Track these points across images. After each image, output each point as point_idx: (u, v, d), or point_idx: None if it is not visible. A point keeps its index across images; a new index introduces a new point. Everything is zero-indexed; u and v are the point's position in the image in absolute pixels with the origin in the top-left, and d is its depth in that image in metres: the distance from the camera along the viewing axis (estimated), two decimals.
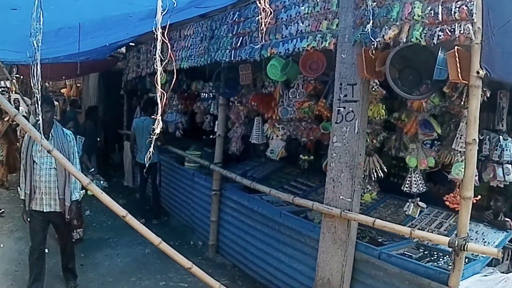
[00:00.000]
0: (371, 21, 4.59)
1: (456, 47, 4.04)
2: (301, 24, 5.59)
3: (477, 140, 4.16)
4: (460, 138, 4.81)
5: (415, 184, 5.34)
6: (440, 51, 4.31)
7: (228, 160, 8.76)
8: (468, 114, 4.17)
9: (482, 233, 5.50)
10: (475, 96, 4.11)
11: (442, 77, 4.33)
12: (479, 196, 4.68)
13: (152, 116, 4.89)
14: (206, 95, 9.73)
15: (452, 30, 4.04)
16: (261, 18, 3.81)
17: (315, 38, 5.36)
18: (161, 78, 3.33)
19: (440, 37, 4.11)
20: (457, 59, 4.01)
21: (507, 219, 5.90)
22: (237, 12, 6.88)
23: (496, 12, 4.21)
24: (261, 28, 4.12)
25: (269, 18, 3.77)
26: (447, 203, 5.00)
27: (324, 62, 5.87)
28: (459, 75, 4.03)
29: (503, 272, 5.07)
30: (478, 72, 4.02)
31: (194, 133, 11.17)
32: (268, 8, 3.79)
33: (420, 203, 5.48)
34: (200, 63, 7.90)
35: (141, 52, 11.73)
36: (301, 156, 7.21)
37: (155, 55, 3.38)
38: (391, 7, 4.54)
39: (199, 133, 10.82)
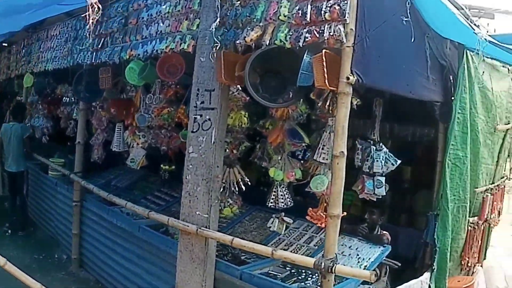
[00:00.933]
0: (233, 22, 4.15)
1: (324, 50, 3.56)
2: (161, 24, 5.03)
3: (345, 153, 3.67)
4: (322, 149, 4.32)
5: (282, 198, 4.78)
6: (305, 55, 3.79)
7: (93, 168, 7.91)
8: (336, 123, 3.68)
9: (356, 249, 5.03)
10: (344, 105, 3.63)
11: (307, 83, 3.79)
12: (346, 213, 4.17)
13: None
14: (69, 99, 8.82)
15: (321, 31, 3.57)
16: (88, 14, 3.09)
17: (174, 39, 4.81)
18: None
19: (306, 39, 3.64)
20: (324, 63, 3.52)
21: (384, 232, 5.54)
22: (100, 11, 6.03)
23: (374, 12, 3.78)
24: (88, 26, 3.39)
25: (97, 14, 3.15)
26: (308, 218, 4.45)
27: (183, 65, 5.27)
28: (326, 81, 3.53)
29: None
30: (348, 78, 3.54)
31: (60, 139, 10.20)
32: (96, 3, 3.08)
33: (285, 218, 4.96)
34: (64, 65, 7.21)
35: (12, 53, 10.56)
36: (161, 165, 6.55)
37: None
38: (256, 7, 4.05)
39: (65, 139, 9.91)
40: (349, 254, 4.92)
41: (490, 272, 6.95)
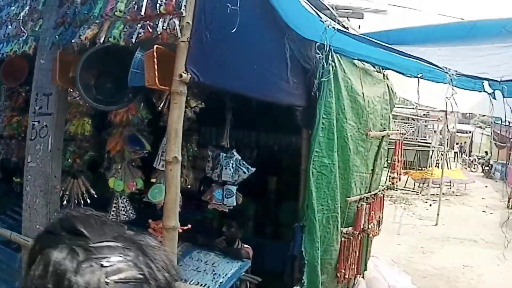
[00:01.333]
0: (72, 20, 3.81)
1: (155, 46, 3.23)
2: (9, 27, 4.68)
3: (180, 158, 3.34)
4: (162, 155, 3.96)
5: (123, 210, 4.38)
6: (137, 51, 3.44)
7: None
8: (169, 126, 3.33)
9: (213, 264, 4.70)
10: (177, 105, 3.30)
11: (140, 83, 3.43)
12: (190, 225, 3.81)
13: None
14: None
15: (154, 26, 3.29)
16: None
17: (18, 41, 4.43)
18: None
19: (140, 35, 3.36)
20: (155, 60, 3.19)
21: (246, 246, 5.24)
22: None
23: (216, 5, 3.49)
24: None
25: None
26: (151, 231, 4.04)
27: (26, 70, 4.82)
28: (157, 79, 3.19)
29: None
30: (181, 76, 3.20)
31: None
32: None
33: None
34: None
35: None
36: (14, 178, 5.90)
37: None
38: (94, 3, 3.72)
39: None
40: (205, 270, 4.60)
41: (372, 283, 6.88)
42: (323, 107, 4.72)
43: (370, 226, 6.25)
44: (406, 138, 29.86)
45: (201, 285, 4.39)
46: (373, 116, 5.88)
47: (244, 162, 4.63)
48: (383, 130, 6.36)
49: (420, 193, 20.69)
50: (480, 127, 39.96)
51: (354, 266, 6.04)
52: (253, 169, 4.70)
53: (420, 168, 23.86)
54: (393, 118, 23.47)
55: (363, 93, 5.44)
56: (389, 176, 6.99)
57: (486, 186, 25.29)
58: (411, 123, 31.52)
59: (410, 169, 23.19)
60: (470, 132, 41.76)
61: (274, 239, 6.06)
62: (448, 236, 13.32)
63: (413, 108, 28.53)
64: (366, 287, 6.79)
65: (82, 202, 4.58)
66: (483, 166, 32.10)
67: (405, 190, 21.21)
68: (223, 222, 5.32)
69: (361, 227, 5.94)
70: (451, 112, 4.12)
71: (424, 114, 28.13)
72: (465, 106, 8.73)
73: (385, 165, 6.83)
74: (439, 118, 21.34)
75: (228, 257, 4.78)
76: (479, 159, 34.44)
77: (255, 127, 6.43)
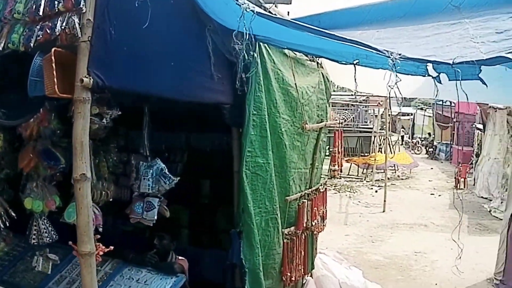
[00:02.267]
0: None
1: (53, 49, 2.93)
2: None
3: (89, 176, 3.03)
4: None
5: (46, 232, 4.03)
6: (36, 57, 3.13)
7: None
8: (73, 139, 3.01)
9: (145, 282, 4.38)
10: (80, 115, 2.99)
11: (40, 93, 3.12)
12: (111, 247, 3.50)
13: None
14: None
15: (53, 26, 3.01)
16: None
17: None
18: None
19: (38, 38, 3.08)
20: (53, 64, 2.88)
21: (181, 258, 4.97)
22: None
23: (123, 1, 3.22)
24: None
25: None
26: (75, 253, 3.71)
27: None
28: (56, 87, 2.90)
29: None
30: (82, 81, 2.91)
31: None
32: None
33: (50, 255, 4.24)
34: None
35: None
36: None
37: None
38: None
39: None
40: None
41: (322, 281, 6.77)
42: (253, 102, 4.49)
43: (314, 223, 6.12)
44: (347, 125, 30.33)
45: None
46: (309, 107, 5.73)
47: (167, 172, 4.31)
48: (321, 122, 6.22)
49: (365, 179, 20.96)
50: (421, 108, 41.00)
51: (301, 267, 5.91)
52: (176, 179, 4.36)
53: (362, 155, 24.16)
54: (332, 106, 23.80)
55: (296, 84, 5.26)
56: (330, 169, 6.86)
57: (431, 168, 25.96)
58: (351, 109, 31.97)
59: (353, 156, 23.46)
60: (411, 115, 42.78)
61: (212, 248, 5.78)
62: (397, 223, 13.43)
63: (352, 95, 29.02)
64: (316, 286, 6.68)
65: (3, 223, 4.22)
66: (427, 148, 32.95)
67: (349, 177, 21.45)
68: (155, 233, 5.03)
69: (304, 225, 5.80)
70: (392, 97, 3.95)
71: (364, 100, 28.55)
72: (406, 91, 8.69)
73: (326, 156, 6.70)
74: (379, 103, 21.62)
75: (161, 272, 4.49)
76: (423, 140, 35.34)
77: (185, 128, 6.14)
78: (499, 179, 16.22)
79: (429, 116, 35.85)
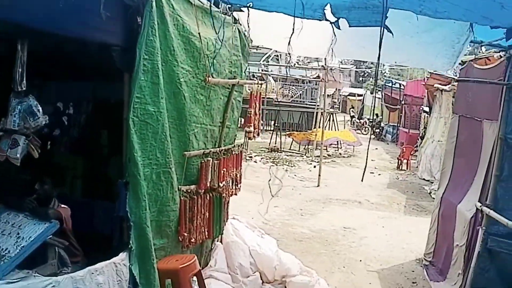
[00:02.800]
0: None
1: None
2: None
3: None
4: None
5: None
6: None
7: None
8: None
9: (19, 226, 4.23)
10: None
11: None
12: None
13: None
14: None
15: None
16: None
17: None
18: None
19: None
20: None
21: (64, 206, 4.83)
22: None
23: None
24: None
25: None
26: None
27: None
28: None
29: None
30: None
31: None
32: None
33: None
34: None
35: None
36: None
37: None
38: None
39: None
40: (9, 233, 4.16)
41: (231, 247, 6.63)
42: (144, 46, 4.24)
43: (221, 185, 5.97)
44: (294, 100, 30.51)
45: (2, 249, 3.96)
46: (217, 61, 5.51)
47: (35, 110, 4.05)
48: (234, 78, 6.05)
49: (305, 155, 21.03)
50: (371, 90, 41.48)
51: (204, 229, 5.77)
52: (44, 117, 4.12)
53: (305, 131, 24.31)
54: (281, 81, 23.77)
55: (199, 34, 5.04)
56: (245, 131, 6.69)
57: (376, 148, 26.26)
58: (300, 86, 32.14)
59: (295, 131, 23.54)
60: (361, 95, 43.29)
61: (104, 199, 5.58)
62: (331, 198, 13.48)
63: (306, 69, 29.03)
64: (224, 252, 6.56)
65: None
66: (374, 129, 33.32)
67: (290, 152, 21.50)
68: (37, 177, 4.82)
69: (208, 185, 5.65)
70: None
71: (316, 77, 28.67)
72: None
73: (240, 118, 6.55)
74: (322, 79, 21.59)
75: (36, 218, 4.30)
76: (370, 121, 35.75)
77: (92, 78, 5.88)
78: (441, 162, 16.37)
79: (379, 98, 36.27)
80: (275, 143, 22.04)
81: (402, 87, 29.41)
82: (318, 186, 14.75)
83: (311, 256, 8.57)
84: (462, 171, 7.44)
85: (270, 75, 28.98)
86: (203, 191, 5.56)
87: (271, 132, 23.77)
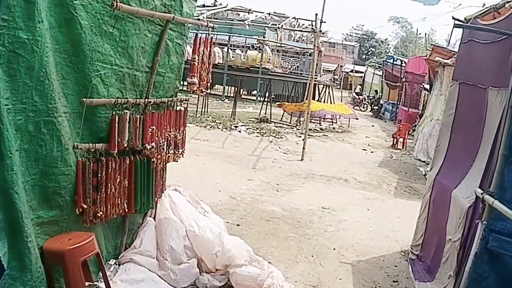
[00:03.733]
0: None
1: None
2: None
3: None
4: None
5: None
6: None
7: None
8: None
9: None
10: None
11: None
12: None
13: None
14: None
15: None
16: None
17: None
18: None
19: None
20: None
21: None
22: None
23: None
24: None
25: None
26: None
27: None
28: None
29: None
30: None
31: None
32: None
33: None
34: None
35: None
36: None
37: None
38: None
39: None
40: None
41: (164, 226, 5.34)
42: None
43: (149, 147, 4.74)
44: (292, 72, 29.39)
45: None
46: None
47: None
48: (168, 12, 4.74)
49: (296, 127, 19.80)
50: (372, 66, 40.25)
51: (122, 201, 4.58)
52: None
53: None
54: (282, 53, 22.66)
55: None
56: (188, 82, 5.39)
57: (372, 125, 25.11)
58: (299, 58, 30.96)
59: (286, 102, 22.28)
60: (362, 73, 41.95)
61: None
62: (313, 173, 12.16)
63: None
64: (156, 231, 5.32)
65: None
66: (372, 106, 32.08)
67: (280, 123, 20.25)
68: None
69: (124, 145, 4.43)
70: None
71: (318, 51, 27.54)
72: None
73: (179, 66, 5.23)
74: (320, 51, 20.30)
75: None
76: (371, 99, 34.41)
77: None
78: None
79: (379, 75, 34.88)
80: (265, 114, 20.76)
81: (403, 64, 28.06)
82: (301, 160, 13.43)
83: (275, 240, 7.24)
84: (460, 149, 6.00)
85: (266, 44, 27.81)
86: (116, 152, 4.34)
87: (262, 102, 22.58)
